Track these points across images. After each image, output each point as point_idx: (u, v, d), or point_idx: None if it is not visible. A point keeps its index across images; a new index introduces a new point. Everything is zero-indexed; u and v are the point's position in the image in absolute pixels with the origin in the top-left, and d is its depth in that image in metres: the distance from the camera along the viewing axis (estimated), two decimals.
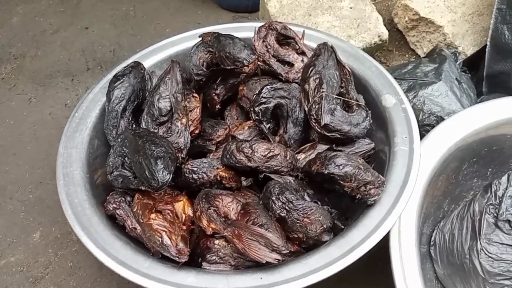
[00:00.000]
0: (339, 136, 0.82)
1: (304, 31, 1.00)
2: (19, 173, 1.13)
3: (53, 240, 0.99)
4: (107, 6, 1.52)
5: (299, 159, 0.86)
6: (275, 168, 0.73)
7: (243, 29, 1.10)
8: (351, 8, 1.25)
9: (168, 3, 1.51)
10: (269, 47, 1.01)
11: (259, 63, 0.99)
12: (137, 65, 0.95)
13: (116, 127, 0.87)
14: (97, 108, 0.94)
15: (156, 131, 0.87)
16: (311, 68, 0.87)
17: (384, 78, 0.94)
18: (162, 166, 0.70)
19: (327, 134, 0.82)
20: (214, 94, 0.99)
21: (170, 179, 0.70)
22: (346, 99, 0.86)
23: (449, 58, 1.07)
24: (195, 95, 0.94)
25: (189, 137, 0.83)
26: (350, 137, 0.83)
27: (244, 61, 0.90)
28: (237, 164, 0.73)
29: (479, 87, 1.14)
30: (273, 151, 0.73)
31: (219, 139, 0.91)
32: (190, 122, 0.89)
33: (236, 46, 0.91)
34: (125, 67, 0.94)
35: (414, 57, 1.37)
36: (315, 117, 0.82)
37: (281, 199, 0.66)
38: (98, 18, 1.47)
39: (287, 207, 0.65)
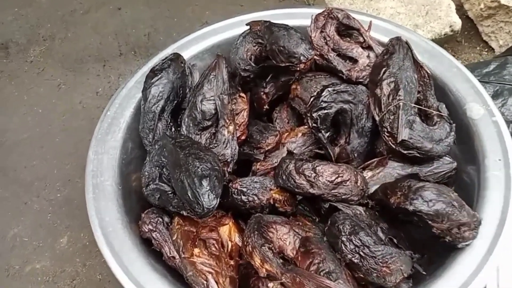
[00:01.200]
0: (417, 154, 0.68)
1: (371, 21, 0.84)
2: (47, 168, 1.05)
3: (81, 248, 0.90)
4: None
5: (365, 177, 0.73)
6: (343, 197, 0.60)
7: (296, 15, 0.96)
8: None
9: None
10: (328, 38, 0.86)
11: (315, 57, 0.85)
12: (176, 57, 0.82)
13: (153, 130, 0.76)
14: (132, 105, 0.83)
15: (198, 137, 0.74)
16: (384, 68, 0.72)
17: (468, 81, 0.78)
18: (208, 188, 0.58)
19: (403, 151, 0.68)
20: (262, 93, 0.85)
21: (217, 204, 0.58)
22: (425, 108, 0.71)
23: None
24: (242, 95, 0.81)
25: (237, 147, 0.71)
26: (431, 156, 0.68)
27: (302, 57, 0.76)
28: (296, 189, 0.60)
29: None
30: (342, 176, 0.60)
31: (269, 147, 0.78)
32: (236, 127, 0.77)
33: (292, 39, 0.77)
34: (163, 59, 0.81)
35: (486, 50, 1.19)
36: (389, 130, 0.68)
37: (354, 241, 0.53)
38: None
39: (361, 252, 0.52)
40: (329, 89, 0.75)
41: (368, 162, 0.75)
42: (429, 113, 0.73)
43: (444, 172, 0.71)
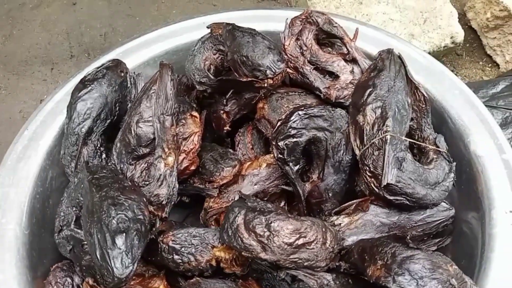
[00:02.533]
0: (407, 202, 0.54)
1: (357, 29, 0.70)
2: None
3: None
4: None
5: (340, 224, 0.58)
6: (306, 263, 0.45)
7: (271, 18, 0.82)
8: None
9: None
10: (304, 48, 0.71)
11: (288, 70, 0.70)
12: (115, 65, 0.67)
13: (76, 158, 0.60)
14: (58, 124, 0.68)
15: (132, 167, 0.59)
16: (369, 89, 0.58)
17: (473, 107, 0.65)
18: (122, 248, 0.43)
19: (389, 197, 0.53)
20: (222, 112, 0.71)
21: (133, 272, 0.43)
22: (420, 142, 0.56)
23: None
24: (194, 113, 0.66)
25: (176, 185, 0.56)
26: (424, 205, 0.54)
27: (268, 72, 0.61)
28: (244, 252, 0.45)
29: None
30: (305, 236, 0.45)
31: (224, 181, 0.63)
32: (184, 155, 0.62)
33: (257, 48, 0.63)
34: (98, 67, 0.66)
35: (489, 65, 1.05)
36: (371, 169, 0.54)
37: None
38: None
39: None
40: (300, 112, 0.61)
41: (345, 205, 0.61)
42: (423, 148, 0.58)
43: (439, 222, 0.58)
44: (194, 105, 0.70)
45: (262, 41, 0.64)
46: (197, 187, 0.65)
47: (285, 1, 1.18)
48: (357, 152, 0.57)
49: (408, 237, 0.47)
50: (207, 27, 0.74)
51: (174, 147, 0.57)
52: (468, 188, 0.59)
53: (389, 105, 0.55)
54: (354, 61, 0.70)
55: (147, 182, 0.55)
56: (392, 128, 0.54)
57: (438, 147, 0.57)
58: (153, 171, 0.55)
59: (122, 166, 0.60)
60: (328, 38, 0.73)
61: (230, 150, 0.70)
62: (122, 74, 0.68)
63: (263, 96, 0.69)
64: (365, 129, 0.56)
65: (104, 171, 0.56)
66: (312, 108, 0.61)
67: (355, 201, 0.60)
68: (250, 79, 0.62)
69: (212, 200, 0.65)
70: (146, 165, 0.60)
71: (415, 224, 0.57)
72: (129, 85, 0.69)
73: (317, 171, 0.64)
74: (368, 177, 0.55)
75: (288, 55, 0.71)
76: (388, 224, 0.57)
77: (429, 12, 0.91)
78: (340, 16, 0.79)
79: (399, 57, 0.62)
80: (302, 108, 0.61)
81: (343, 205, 0.61)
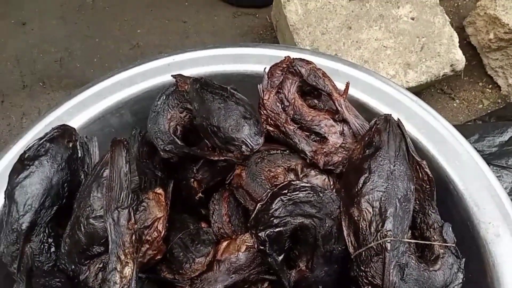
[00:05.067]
0: None
1: (348, 84, 0.60)
2: None
3: None
4: None
5: None
6: None
7: (248, 59, 0.71)
8: (412, 19, 0.84)
9: None
10: (286, 103, 0.63)
11: (269, 128, 0.61)
12: (61, 134, 0.58)
13: (17, 259, 0.51)
14: None
15: (85, 268, 0.51)
16: (365, 176, 0.50)
17: (482, 178, 0.56)
18: None
19: None
20: (192, 181, 0.61)
21: None
22: (424, 241, 0.48)
23: None
24: (158, 191, 0.57)
25: None
26: None
27: (243, 148, 0.53)
28: None
29: None
30: None
31: (196, 274, 0.55)
32: (147, 246, 0.53)
33: (230, 117, 0.54)
34: (40, 140, 0.56)
35: (490, 87, 0.97)
36: (368, 278, 0.46)
37: None
38: (42, 9, 1.04)
39: None
40: (283, 198, 0.52)
41: None
42: (427, 240, 0.50)
43: None
44: (159, 174, 0.61)
45: (235, 108, 0.54)
46: (166, 278, 0.56)
47: (264, 14, 1.06)
48: (351, 250, 0.49)
49: None
50: (172, 76, 0.64)
51: (132, 252, 0.48)
52: (478, 280, 0.52)
53: (389, 198, 0.47)
54: (344, 121, 0.61)
55: None
56: (393, 229, 0.46)
57: (445, 240, 0.49)
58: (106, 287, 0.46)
59: (73, 267, 0.51)
60: (314, 90, 0.63)
61: (203, 228, 0.61)
62: (70, 145, 0.57)
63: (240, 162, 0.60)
64: (360, 226, 0.48)
65: (45, 278, 0.47)
66: (297, 193, 0.52)
67: None
68: (223, 158, 0.53)
69: None
70: (102, 265, 0.51)
71: None
72: (80, 154, 0.59)
73: (305, 259, 0.55)
74: (365, 284, 0.47)
75: (268, 111, 0.62)
76: None
77: (427, 37, 0.81)
78: (325, 55, 0.69)
79: (399, 125, 0.54)
80: (285, 191, 0.52)
81: None
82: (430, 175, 0.52)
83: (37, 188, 0.53)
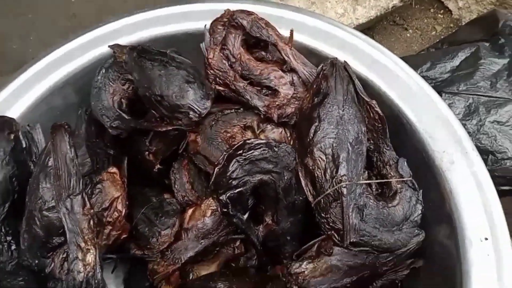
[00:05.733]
0: (375, 252, 0.48)
1: (292, 31, 0.58)
2: None
3: None
4: None
5: (304, 272, 0.53)
6: None
7: (190, 16, 0.68)
8: None
9: None
10: (233, 59, 0.61)
11: (218, 87, 0.60)
12: (2, 127, 0.55)
13: None
14: None
15: (49, 261, 0.50)
16: (315, 124, 0.50)
17: (434, 108, 0.57)
18: None
19: (354, 249, 0.47)
20: (147, 154, 0.60)
21: None
22: (380, 180, 0.49)
23: None
24: (112, 170, 0.56)
25: (106, 285, 0.47)
26: (394, 250, 0.48)
27: (191, 114, 0.51)
28: None
29: None
30: None
31: (164, 246, 0.55)
32: (110, 227, 0.53)
33: (172, 83, 0.52)
34: None
35: (441, 12, 0.97)
36: (330, 224, 0.47)
37: None
38: None
39: None
40: (239, 158, 0.52)
41: (306, 247, 0.55)
42: (384, 177, 0.51)
43: (410, 249, 0.52)
44: (111, 152, 0.59)
45: (177, 73, 0.52)
46: (136, 255, 0.56)
47: None
48: (310, 199, 0.50)
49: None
50: (109, 47, 0.61)
51: (92, 237, 0.47)
52: (437, 208, 0.54)
53: (341, 143, 0.47)
54: (293, 70, 0.59)
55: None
56: (347, 174, 0.46)
57: (402, 174, 0.50)
58: (69, 280, 0.46)
59: (37, 261, 0.50)
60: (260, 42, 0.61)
61: (166, 200, 0.61)
62: (12, 137, 0.54)
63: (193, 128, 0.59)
64: (316, 175, 0.48)
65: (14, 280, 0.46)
66: (252, 151, 0.52)
67: (316, 240, 0.54)
68: (171, 128, 0.51)
69: (155, 263, 0.57)
70: (65, 254, 0.50)
71: (385, 260, 0.52)
72: (24, 145, 0.56)
73: (270, 213, 0.56)
74: (327, 230, 0.48)
75: (215, 70, 0.59)
76: (356, 267, 0.52)
77: None
78: (267, 3, 0.66)
79: (345, 68, 0.53)
80: (241, 151, 0.52)
81: (304, 246, 0.55)
82: (381, 114, 0.52)
83: None
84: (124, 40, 0.64)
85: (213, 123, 0.60)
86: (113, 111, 0.57)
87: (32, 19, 0.93)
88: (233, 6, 0.63)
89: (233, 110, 0.62)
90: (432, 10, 0.95)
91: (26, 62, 0.64)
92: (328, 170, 0.47)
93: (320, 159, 0.48)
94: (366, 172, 0.50)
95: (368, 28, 0.90)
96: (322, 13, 0.75)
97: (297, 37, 0.63)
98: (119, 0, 0.86)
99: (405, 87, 0.59)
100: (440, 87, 0.65)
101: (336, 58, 0.54)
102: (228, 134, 0.61)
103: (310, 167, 0.48)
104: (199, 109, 0.51)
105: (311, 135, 0.48)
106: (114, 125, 0.56)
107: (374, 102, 0.52)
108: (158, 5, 0.68)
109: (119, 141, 0.61)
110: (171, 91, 0.51)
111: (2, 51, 0.90)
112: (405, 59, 0.71)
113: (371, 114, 0.52)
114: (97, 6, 0.82)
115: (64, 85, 0.64)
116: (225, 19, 0.60)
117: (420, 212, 0.50)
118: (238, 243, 0.62)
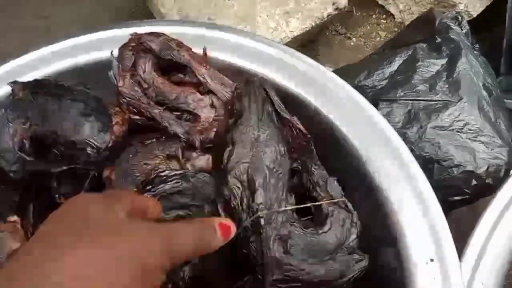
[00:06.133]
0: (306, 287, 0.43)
1: (205, 49, 0.54)
2: None
3: None
4: None
5: None
6: None
7: (101, 45, 0.63)
8: None
9: None
10: (145, 85, 0.55)
11: (132, 116, 0.54)
12: None
13: None
14: None
15: None
16: (228, 147, 0.44)
17: (369, 121, 0.53)
18: None
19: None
20: (58, 196, 0.54)
21: None
22: (305, 205, 0.44)
23: (458, 35, 0.65)
24: (12, 218, 0.51)
25: None
26: (328, 282, 0.43)
27: (89, 151, 0.45)
28: None
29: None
30: None
31: None
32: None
33: (66, 119, 0.46)
34: None
35: (384, 17, 0.94)
36: (252, 260, 0.41)
37: None
38: None
39: None
40: (149, 195, 0.45)
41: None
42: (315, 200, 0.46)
43: (353, 277, 0.47)
44: (15, 199, 0.53)
45: (71, 106, 0.47)
46: None
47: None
48: None
49: None
50: (8, 84, 0.55)
51: None
52: (382, 229, 0.49)
53: (256, 168, 0.42)
54: (211, 92, 0.55)
55: None
56: (264, 201, 0.41)
57: (331, 195, 0.45)
58: None
59: None
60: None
61: None
62: None
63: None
64: (233, 205, 0.42)
65: None
66: (163, 185, 0.46)
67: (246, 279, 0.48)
68: (67, 167, 0.45)
69: None
70: None
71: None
72: None
73: None
74: (251, 266, 0.42)
75: (127, 98, 0.54)
76: None
77: None
78: (185, 22, 0.62)
79: (262, 85, 0.48)
80: (150, 187, 0.46)
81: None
82: (304, 131, 0.47)
83: None
84: (29, 76, 0.59)
85: (131, 155, 0.55)
86: (13, 154, 0.51)
87: None
88: (148, 29, 0.58)
89: (154, 139, 0.56)
90: (374, 16, 0.93)
91: None
92: (245, 199, 0.42)
93: (235, 187, 0.42)
94: (293, 197, 0.45)
95: (311, 41, 0.87)
96: (253, 29, 0.71)
97: (222, 56, 0.59)
98: (41, 36, 0.80)
99: (337, 100, 0.55)
100: (377, 95, 0.61)
101: (255, 77, 0.49)
102: (149, 166, 0.55)
103: (226, 198, 0.43)
104: (96, 143, 0.45)
105: (225, 160, 0.43)
106: (13, 169, 0.50)
107: (294, 118, 0.47)
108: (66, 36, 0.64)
109: (27, 186, 0.55)
110: (66, 127, 0.45)
111: None
112: (345, 68, 0.67)
113: (294, 132, 0.48)
114: (19, 44, 0.77)
115: None
116: (133, 44, 0.55)
117: (355, 236, 0.45)
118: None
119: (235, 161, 0.43)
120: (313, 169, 0.48)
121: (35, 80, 0.52)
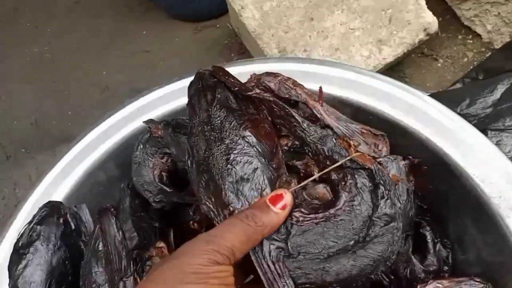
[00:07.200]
0: None
1: (321, 88, 0.59)
2: None
3: None
4: (13, 48, 1.07)
5: None
6: None
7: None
8: None
9: (97, 28, 1.06)
10: None
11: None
12: (49, 213, 0.58)
13: None
14: None
15: None
16: (189, 159, 0.47)
17: (481, 149, 0.55)
18: None
19: None
20: (192, 223, 0.61)
21: None
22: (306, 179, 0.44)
23: None
24: (160, 244, 0.58)
25: None
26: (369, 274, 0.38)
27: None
28: None
29: None
30: None
31: None
32: None
33: None
34: (30, 224, 0.56)
35: (470, 37, 0.95)
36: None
37: None
38: (3, 76, 1.03)
39: None
40: None
41: None
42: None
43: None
44: (157, 225, 0.61)
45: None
46: None
47: (223, 23, 1.04)
48: None
49: None
50: (144, 123, 0.63)
51: None
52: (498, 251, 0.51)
53: (215, 169, 0.42)
54: (327, 126, 0.60)
55: None
56: (234, 203, 0.41)
57: (334, 159, 0.43)
58: None
59: None
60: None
61: None
62: (61, 220, 0.57)
63: None
64: (211, 216, 0.44)
65: None
66: None
67: None
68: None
69: None
70: None
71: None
72: (73, 226, 0.59)
73: None
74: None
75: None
76: None
77: (392, 7, 0.80)
78: (289, 59, 0.67)
79: (212, 75, 0.51)
80: None
81: None
82: (270, 98, 0.50)
83: (39, 274, 0.53)
84: (156, 112, 0.67)
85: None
86: (155, 185, 0.59)
87: (68, 95, 0.99)
88: (255, 68, 0.65)
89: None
90: (460, 37, 0.94)
91: (67, 136, 0.68)
92: (217, 208, 0.43)
93: (206, 201, 0.43)
94: (285, 179, 0.42)
95: (397, 64, 0.89)
96: (347, 58, 0.75)
97: (327, 89, 0.64)
98: (146, 69, 0.91)
99: (444, 129, 0.58)
100: (484, 124, 0.63)
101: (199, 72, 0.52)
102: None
103: (206, 214, 0.44)
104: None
105: (189, 175, 0.44)
106: (157, 200, 0.58)
107: (257, 91, 0.47)
108: (186, 74, 0.72)
109: (163, 213, 0.63)
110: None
111: (44, 128, 0.96)
112: (439, 94, 0.70)
113: (266, 104, 0.50)
114: (128, 77, 0.87)
115: (106, 161, 0.67)
116: (253, 84, 0.61)
117: (386, 197, 0.37)
118: None
119: (196, 173, 0.42)
120: (302, 132, 0.46)
121: (174, 120, 0.59)
